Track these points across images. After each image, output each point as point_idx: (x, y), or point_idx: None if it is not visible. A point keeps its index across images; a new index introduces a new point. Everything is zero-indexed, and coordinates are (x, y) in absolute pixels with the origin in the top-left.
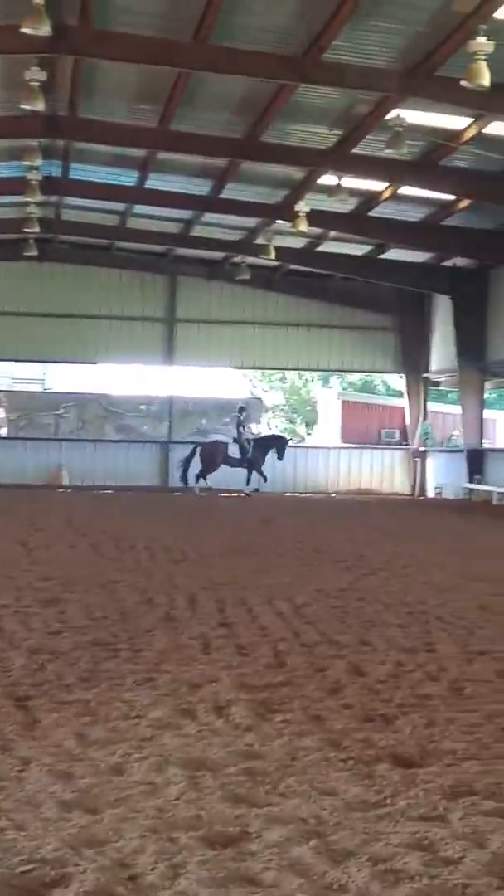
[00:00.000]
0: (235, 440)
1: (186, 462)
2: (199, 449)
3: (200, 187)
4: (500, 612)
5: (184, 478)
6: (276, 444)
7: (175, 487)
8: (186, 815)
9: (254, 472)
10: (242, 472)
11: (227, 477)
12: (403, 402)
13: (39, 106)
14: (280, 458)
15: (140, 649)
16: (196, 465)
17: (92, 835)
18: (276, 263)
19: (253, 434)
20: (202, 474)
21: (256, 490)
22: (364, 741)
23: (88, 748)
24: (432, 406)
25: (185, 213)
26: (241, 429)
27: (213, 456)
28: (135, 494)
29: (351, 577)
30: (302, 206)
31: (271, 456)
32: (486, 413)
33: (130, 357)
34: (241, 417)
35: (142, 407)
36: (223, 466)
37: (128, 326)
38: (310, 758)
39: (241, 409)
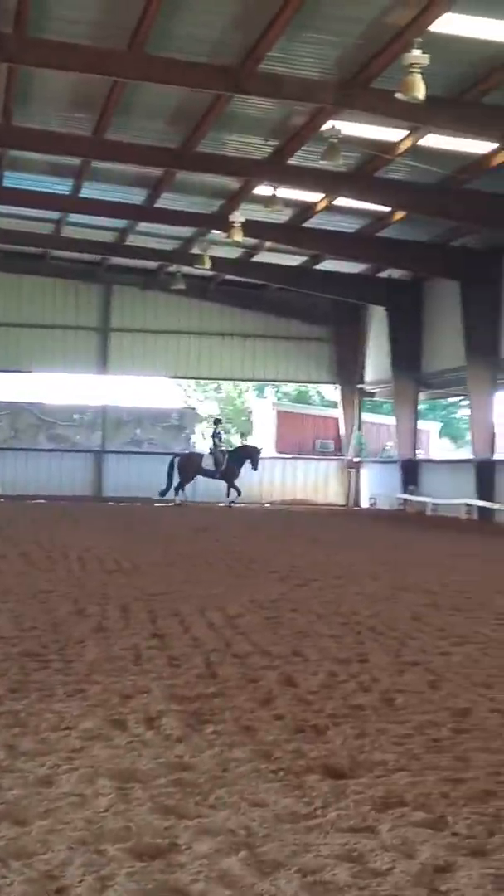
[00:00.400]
0: (211, 452)
1: (169, 475)
2: (176, 460)
3: (136, 196)
4: (432, 623)
5: (165, 490)
6: (251, 454)
7: (110, 497)
8: (115, 826)
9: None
10: (219, 483)
11: (205, 489)
12: (338, 413)
13: None
14: (255, 468)
15: (71, 660)
16: (175, 478)
17: (20, 847)
18: (211, 273)
19: (227, 446)
20: (179, 486)
21: (233, 503)
22: (295, 752)
23: (17, 759)
24: (367, 417)
25: (120, 223)
26: (216, 440)
27: (187, 467)
28: (68, 504)
29: (284, 587)
30: (237, 217)
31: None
32: (420, 424)
33: (64, 366)
34: (216, 429)
35: (75, 416)
36: (199, 478)
37: (62, 335)
38: (240, 769)
39: (217, 421)
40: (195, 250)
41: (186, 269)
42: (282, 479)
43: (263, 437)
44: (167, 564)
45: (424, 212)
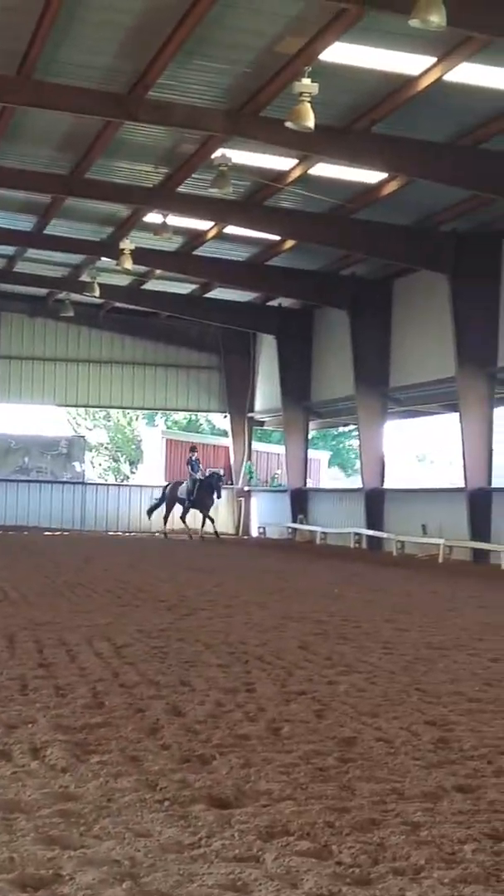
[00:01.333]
0: (192, 479)
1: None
2: (167, 489)
3: (24, 223)
4: (320, 652)
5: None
6: (217, 481)
7: None
8: None
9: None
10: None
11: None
12: (228, 442)
13: None
14: (218, 496)
15: None
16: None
17: None
18: (100, 301)
19: (202, 475)
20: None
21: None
22: (180, 782)
23: None
24: (257, 445)
25: (8, 249)
26: (191, 468)
27: (171, 494)
28: None
29: (172, 616)
30: (127, 244)
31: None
32: (310, 453)
33: None
34: (192, 456)
35: None
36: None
37: None
38: (125, 799)
39: (193, 449)
40: (84, 277)
41: (76, 297)
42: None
43: (152, 465)
44: (54, 594)
45: (314, 240)
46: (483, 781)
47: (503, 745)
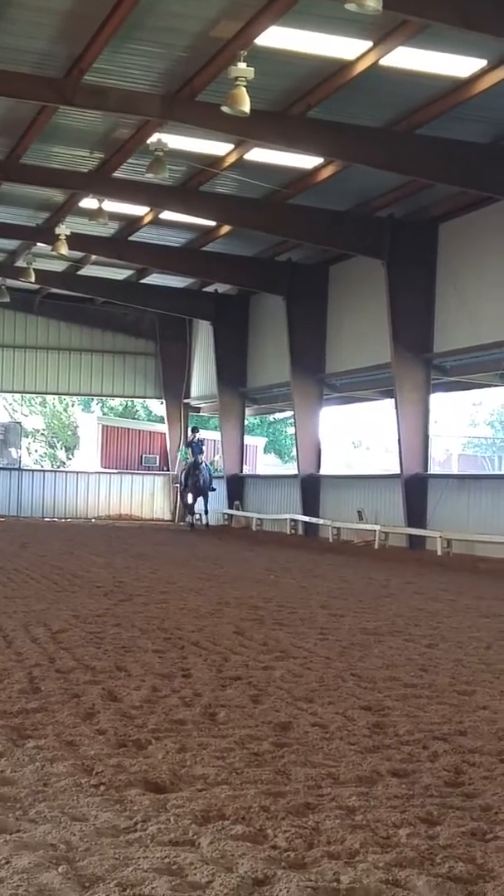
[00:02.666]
0: (194, 462)
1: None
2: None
3: None
4: (255, 638)
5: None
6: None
7: None
8: None
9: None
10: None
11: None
12: (164, 428)
13: None
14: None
15: None
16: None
17: None
18: (36, 287)
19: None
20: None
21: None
22: (116, 767)
23: None
24: None
25: None
26: (192, 450)
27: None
28: None
29: (108, 602)
30: (62, 230)
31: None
32: (246, 439)
33: None
34: (196, 438)
35: None
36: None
37: None
38: (61, 783)
39: (195, 430)
40: (20, 263)
41: (11, 283)
42: (108, 495)
43: (89, 452)
44: None
45: (250, 226)
46: (418, 766)
47: (438, 730)
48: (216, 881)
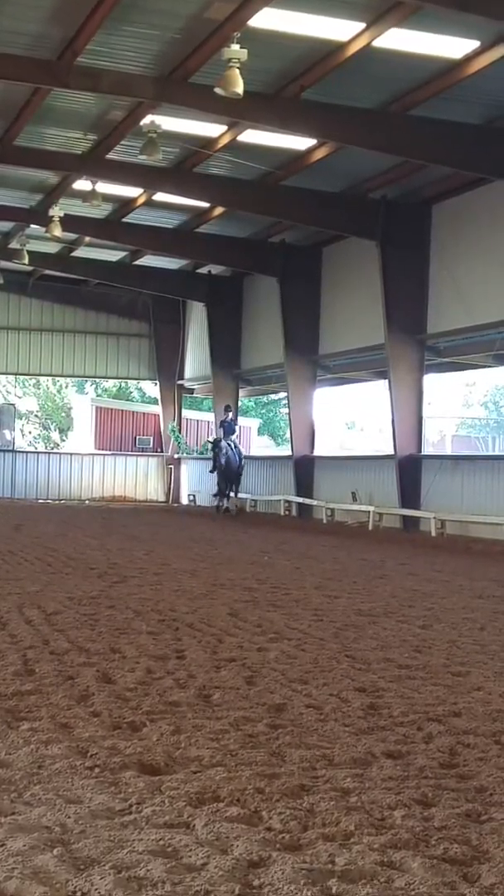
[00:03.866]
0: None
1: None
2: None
3: None
4: (249, 619)
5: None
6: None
7: None
8: None
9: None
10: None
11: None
12: (158, 410)
13: None
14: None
15: None
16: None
17: None
18: (30, 268)
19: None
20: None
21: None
22: (111, 749)
23: None
24: (187, 413)
25: None
26: (224, 431)
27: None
28: None
29: (102, 584)
30: (56, 211)
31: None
32: (240, 421)
33: None
34: (228, 417)
35: None
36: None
37: None
38: (56, 766)
39: (227, 409)
40: (14, 245)
41: (5, 264)
42: (101, 476)
43: (83, 433)
44: None
45: (244, 208)
46: (412, 748)
47: (432, 711)
48: (211, 863)
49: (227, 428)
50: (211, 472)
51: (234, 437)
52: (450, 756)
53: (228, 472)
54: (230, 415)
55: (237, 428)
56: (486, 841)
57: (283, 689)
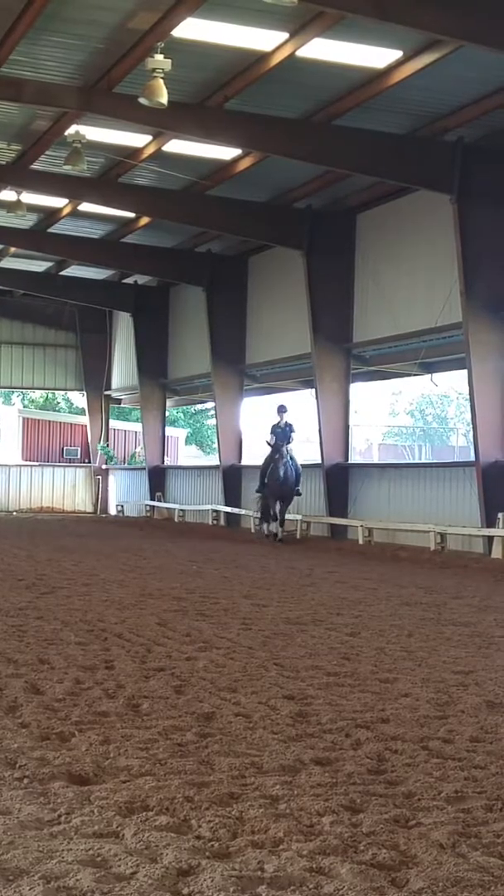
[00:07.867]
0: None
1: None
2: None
3: None
4: (178, 629)
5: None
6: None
7: None
8: None
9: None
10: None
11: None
12: (85, 420)
13: None
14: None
15: None
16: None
17: None
18: None
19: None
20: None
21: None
22: (40, 759)
23: None
24: (115, 424)
25: None
26: (276, 438)
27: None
28: None
29: (31, 595)
30: None
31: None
32: (168, 431)
33: None
34: (283, 421)
35: None
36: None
37: None
38: None
39: (282, 409)
40: None
41: None
42: (29, 487)
43: (10, 444)
44: None
45: (169, 217)
46: (341, 754)
47: (360, 718)
48: (140, 872)
49: (282, 435)
50: (258, 491)
51: (288, 446)
52: (378, 762)
53: (284, 490)
54: (284, 417)
55: (292, 436)
56: (414, 846)
57: (212, 698)
